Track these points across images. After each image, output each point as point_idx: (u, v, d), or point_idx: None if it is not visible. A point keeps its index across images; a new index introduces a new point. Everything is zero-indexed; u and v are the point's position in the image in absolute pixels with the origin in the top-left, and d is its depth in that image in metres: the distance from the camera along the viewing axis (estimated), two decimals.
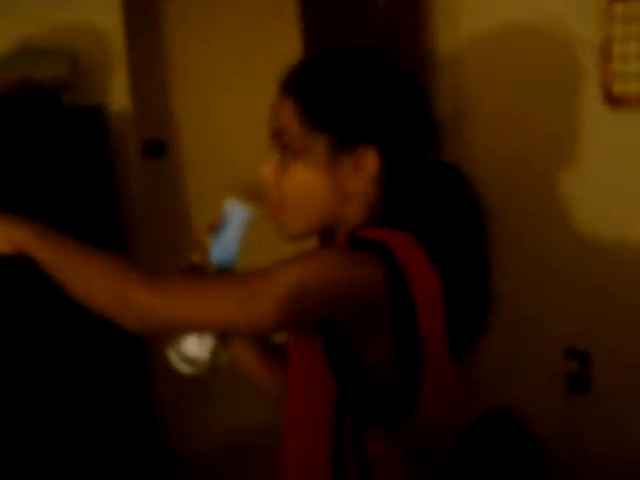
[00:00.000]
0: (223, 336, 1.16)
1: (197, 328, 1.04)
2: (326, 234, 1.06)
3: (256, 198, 1.13)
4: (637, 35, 1.81)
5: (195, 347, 1.11)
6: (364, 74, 1.00)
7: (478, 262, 1.04)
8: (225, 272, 1.12)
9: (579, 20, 1.98)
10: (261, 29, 3.65)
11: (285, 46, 3.44)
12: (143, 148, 3.13)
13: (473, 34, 2.39)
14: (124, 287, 0.95)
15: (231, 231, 1.13)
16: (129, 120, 2.73)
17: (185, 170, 3.58)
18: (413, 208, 1.02)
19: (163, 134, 3.50)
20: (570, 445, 2.16)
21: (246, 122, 3.68)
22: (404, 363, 0.92)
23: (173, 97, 3.55)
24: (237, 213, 1.14)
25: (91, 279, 0.98)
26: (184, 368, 1.13)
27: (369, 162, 0.98)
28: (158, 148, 3.47)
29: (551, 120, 2.14)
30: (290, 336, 1.04)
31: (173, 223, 3.33)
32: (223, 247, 1.13)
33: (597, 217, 2.04)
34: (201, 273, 1.12)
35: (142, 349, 2.32)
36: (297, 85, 1.02)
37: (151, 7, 3.47)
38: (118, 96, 2.68)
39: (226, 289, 0.94)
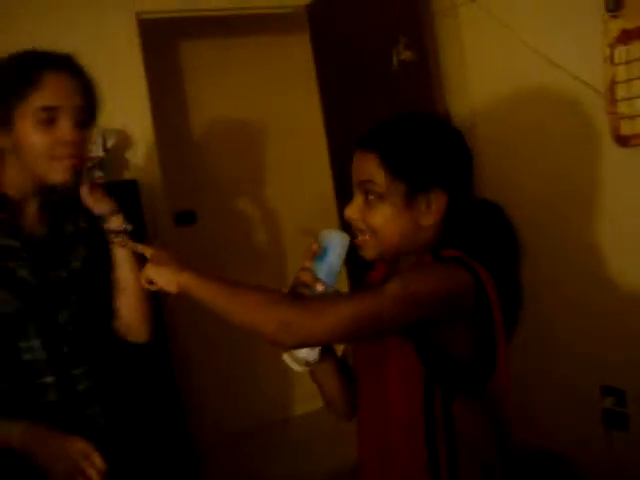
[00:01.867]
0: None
1: (347, 340, 1.29)
2: (396, 258, 1.32)
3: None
4: (638, 77, 1.89)
5: (306, 350, 1.32)
6: (432, 135, 1.29)
7: (513, 274, 1.33)
8: (330, 290, 1.28)
9: (584, 67, 2.06)
10: (282, 98, 3.79)
11: (305, 107, 3.58)
12: (174, 218, 3.25)
13: (483, 95, 2.49)
14: (286, 315, 1.15)
15: (333, 255, 1.30)
16: (160, 193, 2.86)
17: (214, 236, 3.68)
18: (466, 233, 1.31)
19: (192, 204, 3.63)
20: None
21: (270, 188, 3.81)
22: (486, 343, 1.21)
23: (200, 168, 3.68)
24: (337, 239, 1.31)
25: (251, 310, 1.20)
26: (295, 367, 1.34)
27: (439, 202, 1.26)
28: (188, 217, 3.59)
29: (565, 166, 2.21)
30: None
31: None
32: (327, 269, 1.29)
33: (624, 255, 2.09)
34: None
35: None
36: (381, 144, 1.27)
37: (176, 87, 3.64)
38: (148, 171, 2.81)
39: (356, 303, 1.17)
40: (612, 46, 1.95)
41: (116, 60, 2.78)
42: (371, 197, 1.26)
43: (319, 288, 1.26)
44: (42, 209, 1.52)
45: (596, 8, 1.98)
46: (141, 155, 2.81)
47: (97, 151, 2.38)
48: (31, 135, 1.40)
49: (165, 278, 1.26)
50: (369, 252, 1.30)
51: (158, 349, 2.47)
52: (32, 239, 1.48)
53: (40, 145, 1.40)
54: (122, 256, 1.59)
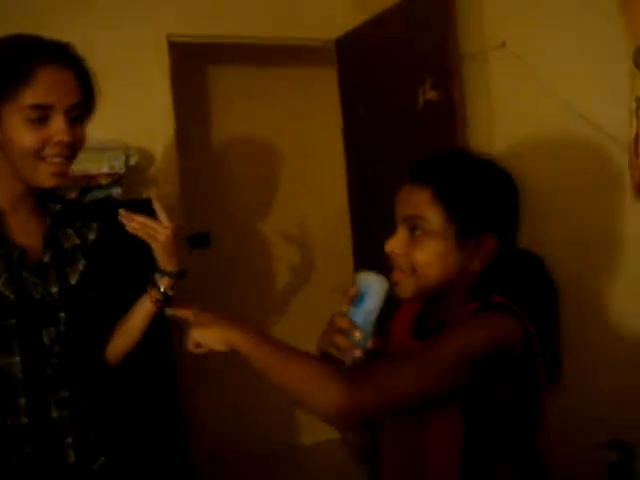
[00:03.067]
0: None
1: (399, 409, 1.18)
2: (431, 300, 1.27)
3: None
4: None
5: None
6: (489, 176, 1.24)
7: (554, 327, 1.28)
8: (368, 337, 1.21)
9: (609, 120, 2.06)
10: (304, 128, 3.81)
11: (327, 138, 3.60)
12: (188, 240, 3.25)
13: (507, 139, 2.49)
14: (346, 398, 1.08)
15: (372, 300, 1.21)
16: (177, 213, 2.86)
17: (229, 259, 3.68)
18: (507, 281, 1.26)
19: (208, 226, 3.64)
20: None
21: (287, 215, 3.81)
22: (532, 397, 1.17)
23: (218, 192, 3.69)
24: (375, 283, 1.22)
25: (308, 388, 1.12)
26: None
27: (489, 245, 1.21)
28: (203, 240, 3.59)
29: (586, 217, 2.20)
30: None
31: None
32: (365, 316, 1.21)
33: None
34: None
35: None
36: (437, 180, 1.21)
37: (201, 110, 3.68)
38: (167, 189, 2.82)
39: (417, 369, 1.11)
40: (638, 100, 1.95)
41: (144, 79, 2.81)
42: (418, 232, 1.21)
43: (357, 336, 1.19)
44: (37, 217, 1.43)
45: (625, 62, 1.99)
46: (161, 174, 2.82)
47: (118, 168, 2.39)
48: (19, 133, 1.28)
49: (214, 338, 1.20)
50: (406, 290, 1.24)
51: (163, 370, 2.46)
52: (19, 251, 1.37)
53: (28, 144, 1.28)
54: (146, 309, 1.56)
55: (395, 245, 1.23)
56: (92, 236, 1.53)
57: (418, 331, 1.31)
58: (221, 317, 1.23)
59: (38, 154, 1.30)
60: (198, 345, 1.22)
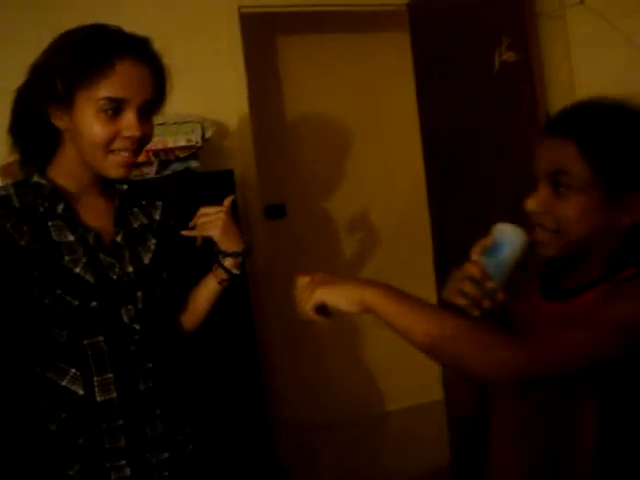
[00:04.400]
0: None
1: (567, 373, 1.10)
2: (573, 259, 1.19)
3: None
4: None
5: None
6: (638, 128, 1.13)
7: None
8: (499, 289, 1.15)
9: None
10: (377, 96, 3.77)
11: (401, 105, 3.56)
12: (265, 211, 3.28)
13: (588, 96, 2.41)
14: (504, 356, 1.03)
15: (508, 252, 1.16)
16: (254, 184, 2.89)
17: (303, 230, 3.70)
18: None
19: (283, 197, 3.66)
20: None
21: (361, 185, 3.80)
22: None
23: (292, 162, 3.70)
24: (515, 236, 1.16)
25: (462, 346, 1.05)
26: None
27: (639, 203, 1.12)
28: (278, 211, 3.62)
29: None
30: None
31: (292, 280, 3.43)
32: (499, 267, 1.15)
33: None
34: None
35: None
36: (582, 132, 1.12)
37: (274, 81, 3.68)
38: (244, 162, 2.85)
39: (582, 330, 1.05)
40: None
41: (217, 52, 2.83)
42: (562, 189, 1.13)
43: (489, 285, 1.12)
44: (105, 199, 1.45)
45: None
46: (237, 146, 2.85)
47: (196, 141, 2.42)
48: (91, 123, 1.29)
49: (346, 298, 1.08)
50: (550, 250, 1.16)
51: (243, 341, 2.50)
52: (93, 234, 1.39)
53: (99, 136, 1.29)
54: (212, 288, 1.60)
55: (537, 203, 1.15)
56: (157, 216, 1.56)
57: (547, 290, 1.25)
58: (331, 276, 1.12)
59: (107, 146, 1.31)
60: (320, 309, 1.11)
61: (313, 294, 1.10)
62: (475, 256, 1.15)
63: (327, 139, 3.73)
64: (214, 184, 2.44)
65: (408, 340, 1.07)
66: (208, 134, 2.49)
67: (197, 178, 2.45)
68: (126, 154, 1.33)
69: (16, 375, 1.40)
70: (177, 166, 2.41)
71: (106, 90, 1.28)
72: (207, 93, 2.76)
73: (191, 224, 1.56)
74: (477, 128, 2.77)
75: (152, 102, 1.35)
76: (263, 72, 3.53)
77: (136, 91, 1.31)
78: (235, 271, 1.58)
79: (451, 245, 2.83)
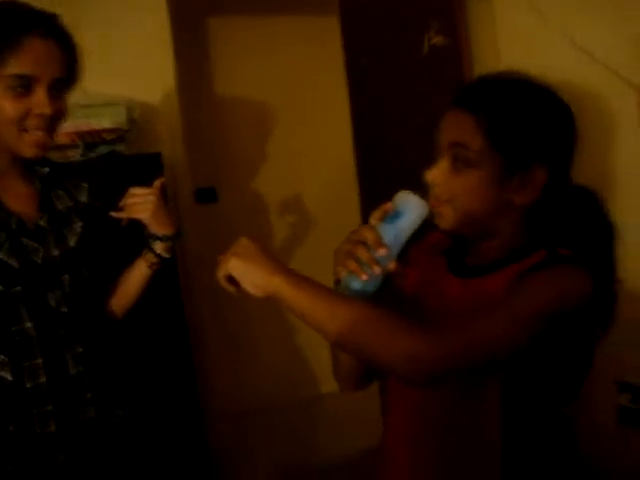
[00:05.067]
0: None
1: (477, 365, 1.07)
2: (474, 237, 1.19)
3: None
4: None
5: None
6: (541, 104, 1.13)
7: (610, 268, 1.19)
8: (391, 258, 1.11)
9: (617, 58, 2.02)
10: (308, 79, 3.76)
11: (332, 89, 3.55)
12: (195, 195, 3.23)
13: None
14: (414, 348, 0.99)
15: (407, 220, 1.13)
16: (183, 168, 2.84)
17: (235, 215, 3.67)
18: (554, 221, 1.17)
19: (214, 180, 3.61)
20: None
21: (293, 168, 3.78)
22: (587, 355, 1.14)
23: (223, 145, 3.66)
24: (415, 205, 1.13)
25: (372, 338, 1.01)
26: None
27: (538, 180, 1.11)
28: (209, 195, 3.57)
29: (592, 156, 2.17)
30: None
31: None
32: (395, 235, 1.12)
33: None
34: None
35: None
36: (481, 106, 1.11)
37: (204, 63, 3.62)
38: (172, 144, 2.79)
39: (494, 321, 1.03)
40: None
41: (143, 32, 2.76)
42: (460, 162, 1.11)
43: (381, 252, 1.08)
44: (27, 182, 1.43)
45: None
46: (165, 129, 2.79)
47: (122, 123, 2.37)
48: (1, 101, 1.28)
49: (251, 279, 1.04)
50: (446, 222, 1.15)
51: (172, 320, 2.47)
52: (16, 218, 1.36)
53: (10, 113, 1.28)
54: (142, 272, 1.59)
55: (436, 174, 1.14)
56: (83, 198, 1.53)
57: (453, 266, 1.23)
58: (267, 253, 1.07)
59: (19, 124, 1.30)
60: (230, 278, 1.07)
61: (226, 263, 1.07)
62: (373, 221, 1.13)
63: (259, 121, 3.69)
64: (141, 167, 2.38)
65: (315, 330, 1.04)
66: (134, 116, 2.44)
67: (124, 161, 2.39)
68: (39, 133, 1.31)
69: None
70: (103, 149, 2.35)
71: (14, 67, 1.26)
72: (134, 74, 2.69)
73: (120, 204, 1.53)
74: (405, 112, 2.79)
75: (63, 80, 1.34)
76: (192, 53, 3.46)
77: (45, 68, 1.29)
78: (165, 255, 1.57)
79: None
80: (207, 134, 3.57)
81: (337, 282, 1.15)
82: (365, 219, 3.12)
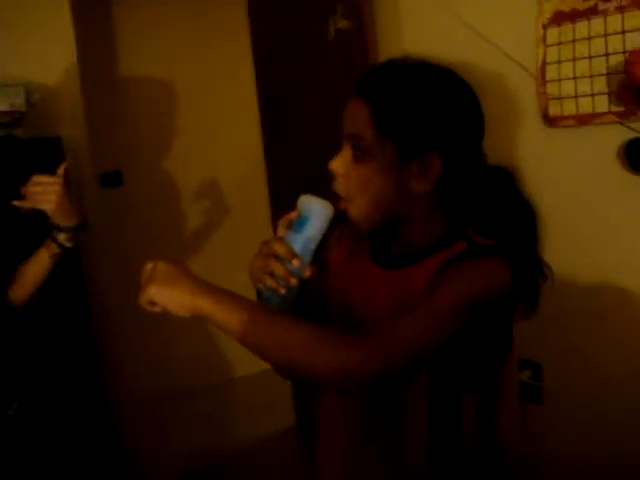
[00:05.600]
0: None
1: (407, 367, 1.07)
2: (388, 226, 1.18)
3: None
4: (568, 59, 1.93)
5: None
6: (434, 88, 1.11)
7: (531, 247, 1.22)
8: (305, 265, 1.12)
9: (517, 47, 2.08)
10: (213, 58, 3.71)
11: (237, 68, 3.53)
12: (100, 179, 3.16)
13: None
14: (346, 361, 0.98)
15: (312, 227, 1.13)
16: (85, 151, 2.77)
17: (141, 199, 3.61)
18: (469, 206, 1.18)
19: (120, 164, 3.53)
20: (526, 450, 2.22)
21: (200, 149, 3.74)
22: (506, 337, 1.16)
23: (127, 127, 3.58)
24: (319, 208, 1.13)
25: (300, 353, 1.00)
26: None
27: (433, 167, 1.10)
28: (115, 179, 3.49)
29: (493, 144, 2.23)
30: None
31: (130, 251, 3.34)
32: (305, 242, 1.12)
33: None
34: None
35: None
36: (372, 94, 1.10)
37: (106, 41, 3.52)
38: (74, 128, 2.71)
39: (418, 320, 1.03)
40: (545, 27, 1.97)
41: (42, 9, 2.66)
42: (358, 153, 1.11)
43: (295, 264, 1.09)
44: None
45: None
46: (66, 111, 2.70)
47: (20, 105, 2.28)
48: None
49: (175, 302, 1.04)
50: (354, 214, 1.14)
51: (76, 307, 2.41)
52: None
53: None
54: (44, 262, 1.54)
55: (337, 165, 1.13)
56: None
57: (376, 256, 1.23)
58: (184, 272, 1.06)
59: None
60: (153, 302, 1.06)
61: (146, 290, 1.05)
62: (281, 231, 1.14)
63: (165, 103, 3.63)
64: (40, 151, 2.30)
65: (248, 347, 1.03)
66: (33, 98, 2.35)
67: (22, 145, 2.31)
68: None
69: None
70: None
71: None
72: (33, 54, 2.59)
73: (22, 191, 1.47)
74: (311, 96, 2.80)
75: None
76: (94, 31, 3.36)
77: None
78: (68, 245, 1.53)
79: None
80: (111, 116, 3.49)
81: (259, 294, 1.16)
82: (273, 203, 3.08)
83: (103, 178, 3.34)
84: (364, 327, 1.10)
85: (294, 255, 1.10)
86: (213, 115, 3.76)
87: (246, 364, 3.76)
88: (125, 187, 3.56)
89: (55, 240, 1.52)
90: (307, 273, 1.12)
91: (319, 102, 2.73)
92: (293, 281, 1.11)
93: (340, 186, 1.14)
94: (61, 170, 1.50)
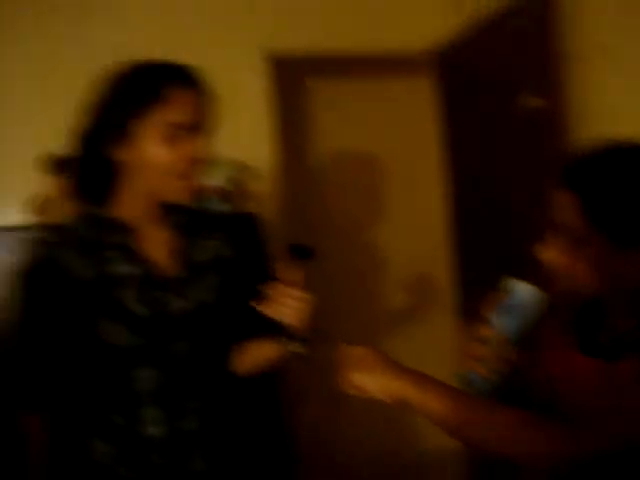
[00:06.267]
0: None
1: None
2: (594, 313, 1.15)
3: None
4: None
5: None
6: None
7: None
8: (510, 350, 1.12)
9: None
10: (401, 140, 3.78)
11: (423, 149, 3.57)
12: (292, 253, 3.27)
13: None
14: (551, 445, 1.00)
15: (521, 312, 1.11)
16: (280, 228, 2.92)
17: (332, 273, 3.67)
18: None
19: (311, 240, 3.63)
20: None
21: (387, 227, 3.79)
22: None
23: (319, 205, 3.73)
24: (527, 294, 1.12)
25: (504, 437, 1.02)
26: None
27: None
28: (306, 253, 3.58)
29: None
30: None
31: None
32: (511, 326, 1.11)
33: None
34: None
35: None
36: (582, 184, 1.07)
37: (301, 124, 3.72)
38: (271, 205, 2.86)
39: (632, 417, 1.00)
40: None
41: (243, 94, 2.88)
42: (567, 243, 1.09)
43: (503, 349, 1.10)
44: (164, 231, 1.45)
45: None
46: (264, 189, 2.86)
47: (226, 184, 2.44)
48: (154, 151, 1.33)
49: (377, 386, 1.08)
50: (569, 298, 1.12)
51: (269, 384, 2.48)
52: (151, 266, 1.39)
53: (163, 162, 1.32)
54: (271, 354, 1.52)
55: (546, 252, 1.11)
56: (219, 249, 1.52)
57: (583, 344, 1.18)
58: (386, 360, 1.11)
59: (171, 171, 1.34)
60: (355, 387, 1.11)
61: (351, 376, 1.10)
62: (487, 314, 1.13)
63: (354, 182, 3.75)
64: (239, 227, 2.41)
65: (447, 432, 1.04)
66: (236, 176, 2.50)
67: (229, 220, 2.44)
68: (188, 177, 1.36)
69: (66, 407, 1.42)
70: (210, 206, 2.40)
71: (166, 116, 1.32)
72: (233, 135, 2.77)
73: (265, 293, 1.43)
74: (502, 175, 2.78)
75: (204, 125, 1.39)
76: (290, 114, 3.54)
77: (193, 115, 1.35)
78: (300, 351, 1.46)
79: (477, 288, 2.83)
80: (304, 194, 3.63)
81: (462, 377, 1.16)
82: (458, 286, 3.02)
83: (294, 250, 3.45)
84: (569, 415, 1.08)
85: (502, 340, 1.10)
86: (399, 193, 3.80)
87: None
88: (316, 261, 3.63)
89: (286, 344, 1.46)
90: (514, 358, 1.12)
91: (510, 182, 2.70)
92: (500, 366, 1.11)
93: (552, 274, 1.12)
94: (300, 277, 1.46)
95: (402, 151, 3.80)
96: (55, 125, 2.60)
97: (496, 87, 2.81)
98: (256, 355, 1.56)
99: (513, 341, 1.11)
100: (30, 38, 2.81)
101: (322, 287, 3.48)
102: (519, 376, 1.18)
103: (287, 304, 1.41)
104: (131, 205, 1.41)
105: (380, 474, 3.52)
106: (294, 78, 3.62)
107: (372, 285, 3.81)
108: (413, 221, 3.82)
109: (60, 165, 2.45)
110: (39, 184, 2.51)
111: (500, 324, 1.11)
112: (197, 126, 1.36)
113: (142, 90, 1.34)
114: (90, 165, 1.40)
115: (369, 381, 1.09)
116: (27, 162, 2.57)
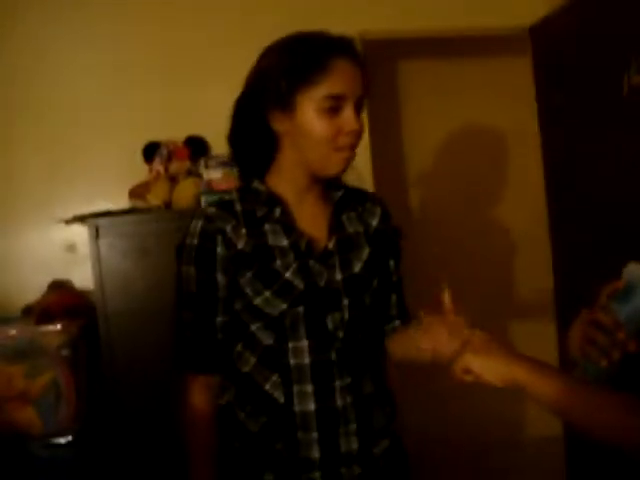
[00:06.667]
0: None
1: None
2: None
3: None
4: None
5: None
6: None
7: None
8: (629, 340, 1.08)
9: None
10: (498, 122, 3.68)
11: (522, 131, 3.47)
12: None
13: None
14: None
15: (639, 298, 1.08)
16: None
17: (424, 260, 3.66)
18: None
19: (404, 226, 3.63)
20: None
21: (484, 217, 3.73)
22: None
23: (411, 190, 3.70)
24: None
25: (608, 419, 1.00)
26: None
27: None
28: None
29: None
30: None
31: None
32: (629, 313, 1.08)
33: None
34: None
35: None
36: None
37: (393, 108, 3.68)
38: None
39: None
40: None
41: None
42: None
43: (620, 336, 1.06)
44: (321, 205, 1.47)
45: None
46: (357, 179, 2.85)
47: None
48: (315, 122, 1.34)
49: (494, 372, 1.08)
50: None
51: None
52: (307, 239, 1.43)
53: (324, 133, 1.34)
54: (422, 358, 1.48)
55: None
56: (374, 222, 1.54)
57: None
58: (501, 345, 1.11)
59: (331, 143, 1.36)
60: (467, 371, 1.11)
61: (464, 358, 1.11)
62: (605, 301, 1.10)
63: (447, 164, 3.68)
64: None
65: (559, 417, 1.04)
66: None
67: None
68: (348, 150, 1.38)
69: (228, 375, 1.49)
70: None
71: (326, 88, 1.34)
72: None
73: (419, 326, 1.41)
74: (602, 154, 2.68)
75: (363, 97, 1.40)
76: (383, 97, 3.52)
77: (352, 87, 1.37)
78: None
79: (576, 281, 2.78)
80: (396, 177, 3.61)
81: (575, 363, 1.15)
82: (556, 268, 2.97)
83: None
84: None
85: (619, 326, 1.07)
86: (495, 178, 3.72)
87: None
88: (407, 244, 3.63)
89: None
90: (631, 347, 1.08)
91: (610, 164, 2.61)
92: (616, 354, 1.08)
93: None
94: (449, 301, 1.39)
95: (499, 132, 3.71)
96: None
97: (600, 65, 2.69)
98: (408, 346, 1.53)
99: (630, 328, 1.07)
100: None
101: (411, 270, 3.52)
102: (635, 364, 1.15)
103: (443, 344, 1.32)
104: (288, 178, 1.44)
105: (482, 469, 3.48)
106: (387, 60, 3.57)
107: (477, 272, 3.72)
108: (511, 205, 3.73)
109: (153, 151, 2.60)
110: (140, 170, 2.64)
111: (617, 310, 1.09)
112: (357, 98, 1.37)
113: (307, 60, 1.35)
114: (250, 136, 1.44)
115: (485, 365, 1.09)
116: (130, 149, 2.69)
